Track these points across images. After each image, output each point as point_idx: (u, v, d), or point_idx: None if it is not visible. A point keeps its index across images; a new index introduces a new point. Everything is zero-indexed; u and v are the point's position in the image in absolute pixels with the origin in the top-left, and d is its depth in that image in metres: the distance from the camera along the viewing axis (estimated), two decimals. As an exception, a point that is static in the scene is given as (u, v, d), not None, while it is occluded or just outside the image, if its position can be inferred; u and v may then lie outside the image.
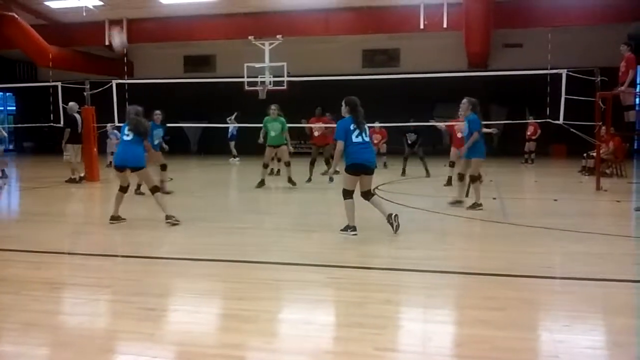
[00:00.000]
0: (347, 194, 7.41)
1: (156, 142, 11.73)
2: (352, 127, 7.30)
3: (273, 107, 12.90)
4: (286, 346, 3.94)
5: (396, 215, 7.41)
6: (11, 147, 28.83)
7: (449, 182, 13.21)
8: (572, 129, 12.45)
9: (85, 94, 14.64)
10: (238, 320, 4.38)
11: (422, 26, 20.87)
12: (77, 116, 14.22)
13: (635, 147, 25.22)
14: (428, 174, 15.43)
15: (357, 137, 7.30)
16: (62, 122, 14.49)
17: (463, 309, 4.71)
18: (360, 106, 7.42)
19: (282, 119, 12.83)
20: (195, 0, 21.64)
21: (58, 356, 3.80)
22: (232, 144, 22.50)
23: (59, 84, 15.52)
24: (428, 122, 16.50)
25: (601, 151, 13.33)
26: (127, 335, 4.12)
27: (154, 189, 8.36)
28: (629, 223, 8.93)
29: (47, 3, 21.99)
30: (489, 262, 6.15)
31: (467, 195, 10.09)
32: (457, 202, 9.80)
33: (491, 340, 3.90)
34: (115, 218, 8.36)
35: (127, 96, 16.42)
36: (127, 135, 8.38)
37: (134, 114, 8.45)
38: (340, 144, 7.32)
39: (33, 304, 4.76)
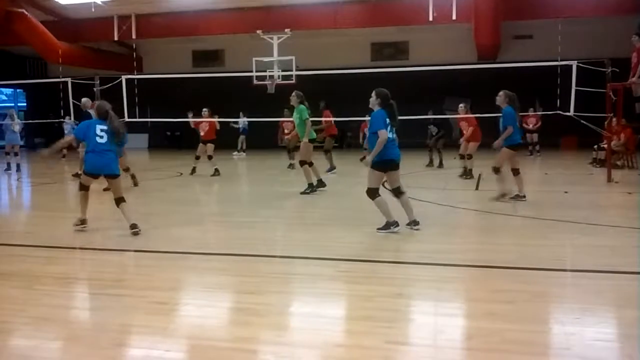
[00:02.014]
0: (374, 193, 7.10)
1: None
2: (387, 121, 7.04)
3: (292, 94, 11.34)
4: (297, 339, 3.95)
5: (417, 222, 7.21)
6: (22, 143, 28.99)
7: (464, 174, 13.27)
8: (582, 121, 12.37)
9: (95, 89, 14.68)
10: (249, 314, 4.40)
11: (431, 18, 20.77)
12: (92, 112, 14.14)
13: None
14: (441, 165, 15.86)
15: (389, 131, 7.04)
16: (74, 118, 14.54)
17: (473, 301, 4.71)
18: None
19: (302, 106, 11.13)
20: (203, -5, 21.66)
21: (70, 350, 3.83)
22: (242, 137, 22.64)
23: (69, 79, 15.59)
24: (444, 114, 16.62)
25: (612, 143, 13.24)
26: (139, 329, 4.16)
27: (121, 200, 7.52)
28: (639, 215, 8.88)
29: (56, -1, 22.08)
30: (499, 254, 6.14)
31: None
32: (502, 196, 9.53)
33: (502, 333, 3.90)
34: (83, 221, 7.59)
35: (136, 91, 16.51)
36: (101, 136, 7.32)
37: (112, 111, 7.55)
38: (383, 134, 6.88)
39: (45, 298, 4.81)
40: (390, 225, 7.07)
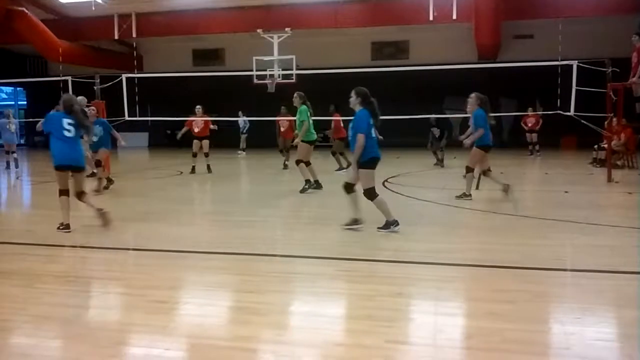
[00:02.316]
0: (372, 193, 7.10)
1: (95, 139, 11.18)
2: (371, 121, 7.05)
3: (295, 95, 11.39)
4: (297, 338, 3.96)
5: (359, 225, 7.23)
6: (22, 141, 29.01)
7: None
8: (583, 121, 12.37)
9: (95, 88, 14.67)
10: (249, 313, 4.41)
11: (431, 18, 20.75)
12: (88, 110, 14.16)
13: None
14: (442, 165, 16.15)
15: (372, 130, 7.09)
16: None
17: (473, 301, 4.71)
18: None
19: (303, 107, 11.18)
20: (203, -6, 21.66)
21: (71, 348, 3.83)
22: (244, 137, 22.67)
23: (69, 78, 15.57)
24: (444, 114, 16.71)
25: (612, 143, 13.24)
26: (139, 328, 4.16)
27: (82, 194, 7.62)
28: (640, 215, 8.87)
29: (56, -2, 22.08)
30: (499, 254, 6.14)
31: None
32: (506, 190, 9.72)
33: (502, 332, 3.90)
34: (67, 226, 7.49)
35: (136, 90, 16.51)
36: (69, 130, 7.35)
37: (77, 105, 7.60)
38: (361, 138, 6.91)
39: (46, 297, 4.81)
40: (390, 224, 7.07)
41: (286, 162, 15.97)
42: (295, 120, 11.89)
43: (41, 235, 7.39)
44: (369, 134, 7.01)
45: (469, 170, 9.87)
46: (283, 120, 16.40)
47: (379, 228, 7.10)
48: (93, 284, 5.30)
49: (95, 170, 13.83)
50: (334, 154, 15.21)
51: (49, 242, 6.92)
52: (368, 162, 7.06)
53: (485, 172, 10.12)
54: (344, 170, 14.56)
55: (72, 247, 6.81)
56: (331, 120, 15.66)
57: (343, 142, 15.38)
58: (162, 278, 5.38)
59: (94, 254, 6.58)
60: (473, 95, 9.87)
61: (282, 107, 16.08)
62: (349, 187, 7.26)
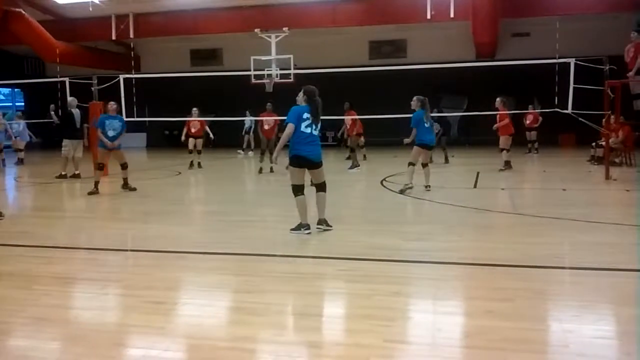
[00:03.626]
0: (297, 189, 7.03)
1: (112, 134, 11.22)
2: (305, 115, 6.97)
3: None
4: (296, 338, 3.96)
5: (323, 227, 7.16)
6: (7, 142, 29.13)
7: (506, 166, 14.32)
8: (580, 118, 12.37)
9: (92, 89, 14.66)
10: (248, 313, 4.40)
11: (429, 16, 20.75)
12: (76, 111, 14.12)
13: (645, 135, 25.00)
14: (447, 161, 16.51)
15: (306, 127, 6.97)
16: (56, 117, 14.79)
17: (472, 300, 4.72)
18: (319, 96, 7.10)
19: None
20: (200, -6, 21.64)
21: (69, 350, 3.83)
22: (247, 137, 22.37)
23: (67, 79, 15.56)
24: (442, 112, 16.89)
25: (610, 140, 13.25)
26: (138, 329, 4.16)
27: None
28: (638, 212, 8.87)
29: (53, -2, 22.05)
30: (497, 252, 6.14)
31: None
32: (408, 188, 10.53)
33: (500, 331, 3.90)
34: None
35: (134, 91, 16.49)
36: None
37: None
38: (290, 127, 6.93)
39: (44, 298, 4.81)
40: (302, 227, 7.04)
41: (271, 166, 15.63)
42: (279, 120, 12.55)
43: (39, 237, 7.38)
44: (298, 128, 6.93)
45: (411, 164, 10.65)
46: (268, 119, 16.15)
47: (291, 229, 7.08)
48: (91, 285, 5.29)
49: (63, 172, 13.85)
50: (352, 150, 15.63)
51: (47, 244, 6.91)
52: (291, 158, 7.04)
53: (424, 165, 10.96)
54: (357, 168, 14.75)
55: (70, 249, 6.81)
56: (344, 118, 16.18)
57: (360, 137, 15.66)
58: (160, 279, 5.38)
59: (92, 255, 6.57)
60: (415, 97, 10.82)
61: (268, 104, 15.95)
62: (296, 189, 7.09)
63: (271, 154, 15.11)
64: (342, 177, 13.54)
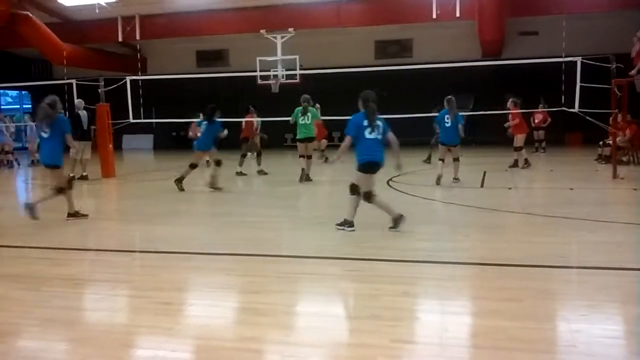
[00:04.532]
0: (356, 190, 7.14)
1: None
2: (364, 123, 7.07)
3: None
4: (303, 339, 3.97)
5: (399, 222, 7.13)
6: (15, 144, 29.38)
7: (525, 164, 14.73)
8: (587, 117, 12.33)
9: (99, 90, 14.73)
10: (255, 314, 4.42)
11: (434, 16, 20.70)
12: (83, 113, 14.19)
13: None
14: (428, 160, 16.49)
15: (370, 134, 7.07)
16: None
17: (479, 299, 4.71)
18: (373, 101, 7.14)
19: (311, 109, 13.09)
20: (206, -5, 21.67)
21: (78, 351, 3.85)
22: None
23: (74, 81, 15.63)
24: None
25: (617, 139, 13.20)
26: (146, 330, 4.18)
27: (61, 190, 8.45)
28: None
29: (60, 1, 22.10)
30: (504, 252, 6.14)
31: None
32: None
33: (507, 330, 3.90)
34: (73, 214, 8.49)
35: (141, 92, 16.55)
36: (45, 131, 8.30)
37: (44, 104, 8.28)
38: (348, 139, 7.13)
39: (53, 300, 4.84)
40: (345, 224, 7.16)
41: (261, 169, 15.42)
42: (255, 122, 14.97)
43: (48, 238, 7.43)
44: (361, 137, 7.04)
45: (439, 159, 11.90)
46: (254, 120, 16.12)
47: (336, 225, 7.23)
48: (99, 286, 5.32)
49: (72, 174, 13.80)
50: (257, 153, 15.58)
51: (56, 246, 6.95)
52: (361, 165, 7.11)
53: (454, 160, 11.87)
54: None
55: (78, 250, 6.85)
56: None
57: None
58: (167, 280, 5.40)
59: (100, 257, 6.61)
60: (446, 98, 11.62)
61: (250, 107, 15.96)
62: (353, 188, 7.21)
63: (243, 157, 15.36)
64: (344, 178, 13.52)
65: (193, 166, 11.78)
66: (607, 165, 13.99)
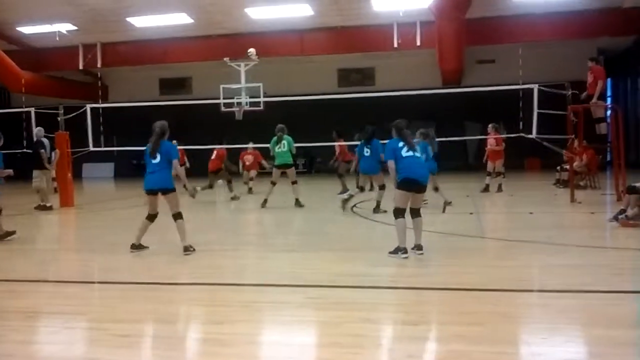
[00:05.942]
0: (396, 212, 7.13)
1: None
2: (400, 144, 7.17)
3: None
4: (265, 369, 3.90)
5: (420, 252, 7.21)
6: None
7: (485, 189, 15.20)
8: (545, 143, 12.62)
9: (59, 119, 14.50)
10: (217, 345, 4.33)
11: (395, 45, 21.12)
12: (45, 141, 13.96)
13: (608, 159, 25.56)
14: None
15: (407, 152, 7.13)
16: (28, 147, 14.55)
17: (441, 324, 4.72)
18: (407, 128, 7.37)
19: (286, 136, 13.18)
20: (169, 23, 21.65)
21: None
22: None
23: (32, 109, 15.37)
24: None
25: (574, 164, 13.52)
26: (103, 363, 4.06)
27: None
28: (603, 234, 9.03)
29: (19, 28, 21.86)
30: (465, 277, 6.17)
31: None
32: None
33: (470, 355, 3.90)
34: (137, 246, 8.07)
35: (101, 120, 16.36)
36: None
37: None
38: (390, 164, 7.22)
39: (9, 334, 4.67)
40: (399, 250, 7.05)
41: (234, 195, 15.79)
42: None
43: (3, 270, 7.21)
44: (398, 157, 7.14)
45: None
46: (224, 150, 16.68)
47: (389, 253, 7.09)
48: (56, 318, 5.16)
49: (42, 203, 13.55)
50: (340, 176, 15.94)
51: (11, 277, 6.75)
52: (401, 182, 7.09)
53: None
54: (347, 193, 14.66)
55: (34, 282, 6.65)
56: (334, 145, 16.27)
57: (349, 164, 15.66)
58: (127, 311, 5.27)
59: (58, 288, 6.42)
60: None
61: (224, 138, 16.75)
62: (396, 212, 7.16)
63: (229, 183, 15.51)
64: (312, 203, 13.53)
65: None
66: (565, 189, 14.30)
